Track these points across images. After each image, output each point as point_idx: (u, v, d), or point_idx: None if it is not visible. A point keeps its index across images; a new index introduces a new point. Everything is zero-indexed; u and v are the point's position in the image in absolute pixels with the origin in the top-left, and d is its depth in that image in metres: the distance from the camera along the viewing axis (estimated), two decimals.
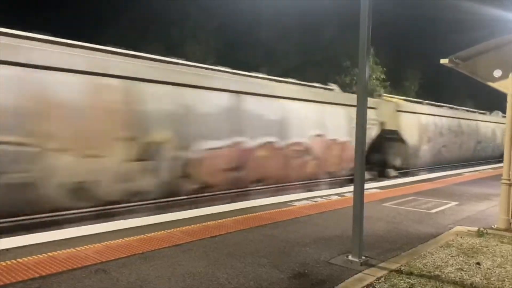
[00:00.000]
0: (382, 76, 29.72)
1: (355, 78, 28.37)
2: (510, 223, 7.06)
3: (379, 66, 29.43)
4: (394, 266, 5.06)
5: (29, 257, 5.02)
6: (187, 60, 10.62)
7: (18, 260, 4.92)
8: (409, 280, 4.60)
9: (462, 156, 22.83)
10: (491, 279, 4.74)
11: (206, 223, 7.01)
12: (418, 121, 18.46)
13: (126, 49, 8.91)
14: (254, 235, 6.41)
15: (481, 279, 4.72)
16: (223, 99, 9.93)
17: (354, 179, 5.26)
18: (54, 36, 7.80)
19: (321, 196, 10.14)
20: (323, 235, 6.50)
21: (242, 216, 7.64)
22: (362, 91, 5.06)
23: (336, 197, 10.12)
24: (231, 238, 6.17)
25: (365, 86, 5.04)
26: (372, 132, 14.81)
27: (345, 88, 21.52)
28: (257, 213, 7.95)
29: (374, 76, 28.90)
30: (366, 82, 5.06)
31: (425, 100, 21.63)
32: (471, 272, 4.93)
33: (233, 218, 7.49)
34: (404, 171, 17.41)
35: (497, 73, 7.23)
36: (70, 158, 7.21)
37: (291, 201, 9.34)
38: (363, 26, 5.00)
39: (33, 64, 6.95)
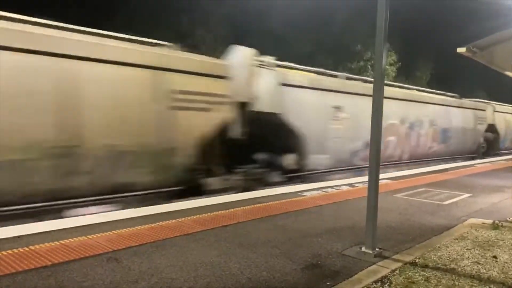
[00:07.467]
0: (393, 58, 29.32)
1: (368, 62, 28.08)
2: None
3: (392, 52, 29.11)
4: (409, 259, 4.97)
5: (41, 245, 5.02)
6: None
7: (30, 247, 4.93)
8: (424, 273, 4.52)
9: (404, 153, 16.56)
10: (509, 273, 4.63)
11: (216, 213, 6.98)
12: (327, 103, 12.58)
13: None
14: (265, 225, 6.35)
15: (498, 273, 4.61)
16: None
17: (368, 169, 5.15)
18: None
19: (331, 187, 10.05)
20: (334, 226, 6.43)
21: (252, 206, 7.59)
22: (379, 79, 4.92)
23: (347, 187, 10.03)
24: (242, 228, 6.12)
25: (382, 73, 4.90)
26: (218, 116, 9.53)
27: (360, 74, 21.13)
28: (267, 203, 7.89)
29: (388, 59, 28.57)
30: (384, 70, 4.92)
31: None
32: (488, 266, 4.82)
33: (243, 208, 7.44)
34: (300, 174, 11.89)
35: None
36: None
37: (301, 191, 9.27)
38: (380, 14, 4.85)
39: None
